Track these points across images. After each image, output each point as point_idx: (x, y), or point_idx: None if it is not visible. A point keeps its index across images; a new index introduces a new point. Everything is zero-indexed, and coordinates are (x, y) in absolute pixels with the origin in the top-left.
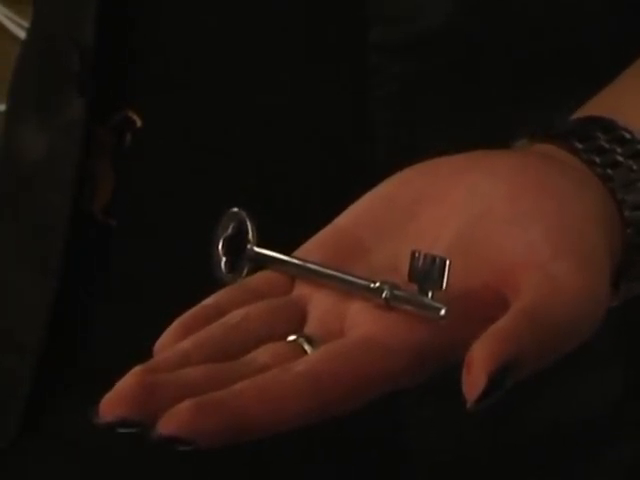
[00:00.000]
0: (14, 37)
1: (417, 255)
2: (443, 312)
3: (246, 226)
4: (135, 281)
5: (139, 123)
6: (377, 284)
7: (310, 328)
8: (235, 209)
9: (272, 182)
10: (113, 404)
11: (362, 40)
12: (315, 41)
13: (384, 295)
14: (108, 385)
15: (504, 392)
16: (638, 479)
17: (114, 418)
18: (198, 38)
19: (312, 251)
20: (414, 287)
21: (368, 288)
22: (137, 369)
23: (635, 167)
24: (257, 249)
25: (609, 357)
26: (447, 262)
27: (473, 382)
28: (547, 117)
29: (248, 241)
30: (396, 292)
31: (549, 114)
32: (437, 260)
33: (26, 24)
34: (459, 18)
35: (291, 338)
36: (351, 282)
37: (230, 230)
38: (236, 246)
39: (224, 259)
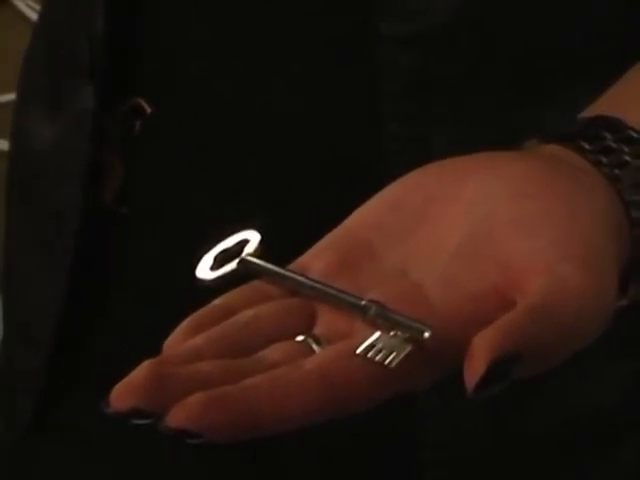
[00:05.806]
0: (31, 22)
1: None
2: (427, 335)
3: (251, 245)
4: (147, 272)
5: (148, 110)
6: (364, 302)
7: (319, 329)
8: (251, 231)
9: (279, 167)
10: (124, 393)
11: (373, 34)
12: (325, 37)
13: (370, 313)
14: (121, 379)
15: (506, 384)
16: None
17: (125, 407)
18: (208, 28)
19: (321, 254)
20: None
21: (355, 305)
22: (149, 362)
23: None
24: (251, 258)
25: (619, 350)
26: None
27: (473, 370)
28: (558, 113)
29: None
30: (382, 312)
31: (561, 109)
32: None
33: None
34: (468, 12)
35: (300, 338)
36: (338, 298)
37: (231, 245)
38: (229, 255)
39: (210, 263)
